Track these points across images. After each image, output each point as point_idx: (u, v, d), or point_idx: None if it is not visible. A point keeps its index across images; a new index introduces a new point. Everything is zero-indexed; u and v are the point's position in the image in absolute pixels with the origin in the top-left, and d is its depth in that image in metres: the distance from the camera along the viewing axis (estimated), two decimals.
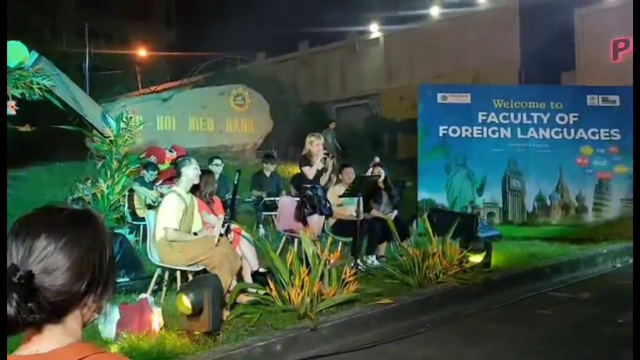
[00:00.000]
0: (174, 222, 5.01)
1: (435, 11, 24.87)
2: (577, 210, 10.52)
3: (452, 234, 6.96)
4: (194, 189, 5.57)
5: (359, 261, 6.95)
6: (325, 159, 6.89)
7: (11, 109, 7.84)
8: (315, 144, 6.89)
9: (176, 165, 5.30)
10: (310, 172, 6.85)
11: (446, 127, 10.81)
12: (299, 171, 7.36)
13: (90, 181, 8.71)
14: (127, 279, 5.72)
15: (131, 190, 8.34)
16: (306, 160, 6.91)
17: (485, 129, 10.80)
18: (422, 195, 10.69)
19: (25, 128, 15.54)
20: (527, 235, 9.95)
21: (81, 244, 1.14)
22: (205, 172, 5.96)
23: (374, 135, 17.91)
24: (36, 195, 9.97)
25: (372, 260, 7.27)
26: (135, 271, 5.81)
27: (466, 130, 10.81)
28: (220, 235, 5.07)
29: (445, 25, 23.63)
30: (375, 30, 26.36)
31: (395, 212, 7.92)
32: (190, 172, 5.17)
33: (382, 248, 7.62)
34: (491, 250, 7.18)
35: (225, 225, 5.16)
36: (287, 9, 26.86)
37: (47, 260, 1.10)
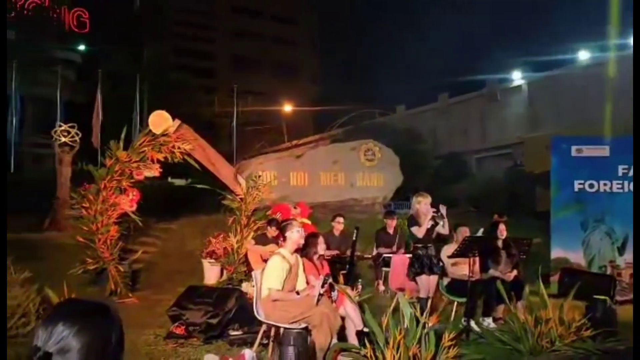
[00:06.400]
0: (277, 284, 5.31)
1: (584, 55, 23.80)
2: None
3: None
4: (303, 249, 5.87)
5: (473, 323, 6.79)
6: (434, 217, 6.84)
7: (156, 171, 8.83)
8: (423, 204, 6.92)
9: (281, 229, 5.61)
10: (419, 232, 6.86)
11: (582, 181, 10.28)
12: None
13: (222, 236, 9.46)
14: (240, 333, 6.11)
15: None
16: (414, 221, 6.94)
17: (626, 183, 10.11)
18: (555, 253, 10.20)
19: (181, 182, 17.08)
20: None
21: (90, 331, 1.44)
22: (312, 235, 6.24)
23: (512, 187, 17.26)
24: (179, 247, 11.00)
25: (488, 322, 7.05)
26: (248, 325, 6.17)
27: (605, 184, 10.20)
28: (320, 295, 5.27)
29: (594, 70, 22.45)
30: (517, 77, 25.69)
31: (515, 272, 7.61)
32: (294, 236, 5.47)
33: (500, 310, 7.35)
34: (615, 318, 6.61)
35: (325, 285, 5.36)
36: (428, 60, 27.20)
37: (62, 343, 1.40)
